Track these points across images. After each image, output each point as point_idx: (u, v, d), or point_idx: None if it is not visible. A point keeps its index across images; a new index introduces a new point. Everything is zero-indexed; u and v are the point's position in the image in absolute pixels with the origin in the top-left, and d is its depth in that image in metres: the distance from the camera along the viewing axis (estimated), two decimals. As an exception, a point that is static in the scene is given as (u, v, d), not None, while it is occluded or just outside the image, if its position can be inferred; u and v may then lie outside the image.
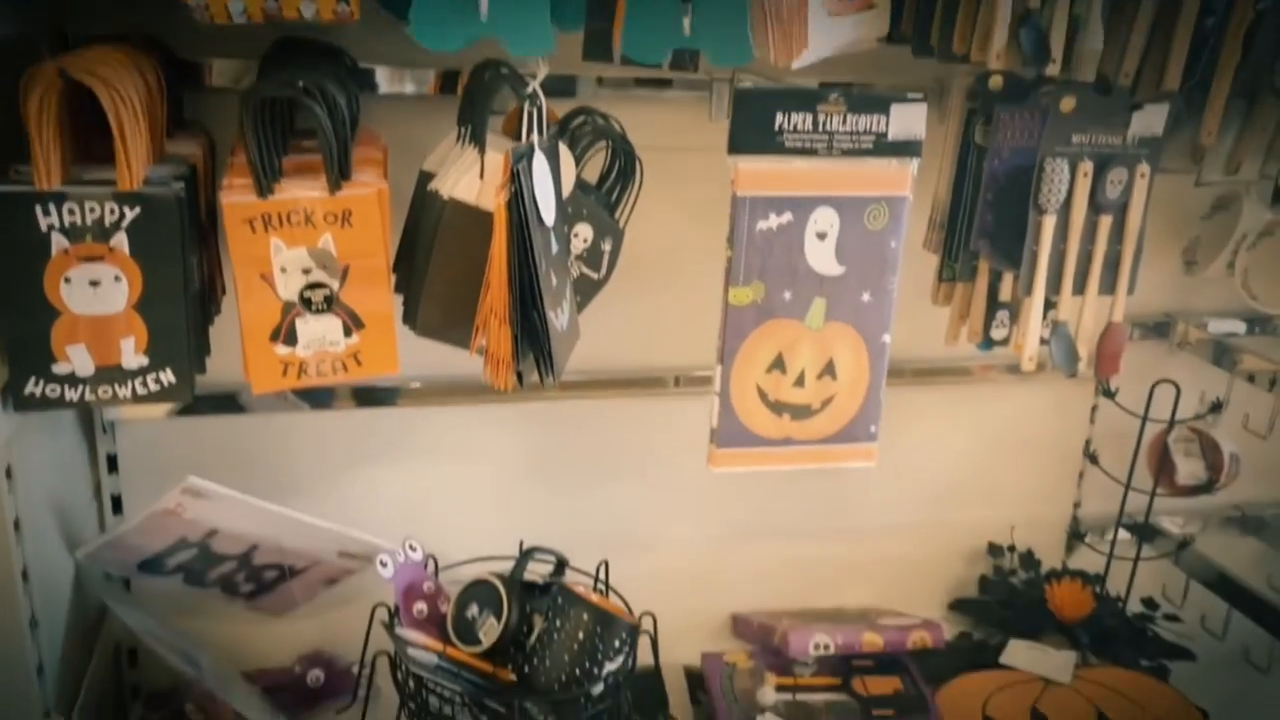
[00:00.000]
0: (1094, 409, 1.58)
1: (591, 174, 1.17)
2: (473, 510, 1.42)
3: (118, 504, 1.29)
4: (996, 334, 1.27)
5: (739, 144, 1.04)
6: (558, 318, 0.98)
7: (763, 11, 1.02)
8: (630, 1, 0.97)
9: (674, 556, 1.51)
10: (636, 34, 0.99)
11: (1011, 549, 1.59)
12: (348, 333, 1.01)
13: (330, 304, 1.01)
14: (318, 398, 1.30)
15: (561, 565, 1.31)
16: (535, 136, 0.96)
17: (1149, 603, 1.52)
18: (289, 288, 0.98)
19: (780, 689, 1.33)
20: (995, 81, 1.16)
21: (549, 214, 0.97)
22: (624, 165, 1.16)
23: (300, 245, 0.97)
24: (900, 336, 1.37)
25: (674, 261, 1.32)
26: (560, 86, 1.21)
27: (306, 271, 0.99)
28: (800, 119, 1.04)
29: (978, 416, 1.56)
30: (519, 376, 0.96)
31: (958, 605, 1.59)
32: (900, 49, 1.14)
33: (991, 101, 1.16)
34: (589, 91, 1.23)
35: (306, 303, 0.99)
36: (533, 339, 0.95)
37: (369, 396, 1.32)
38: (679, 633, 1.48)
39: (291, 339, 1.00)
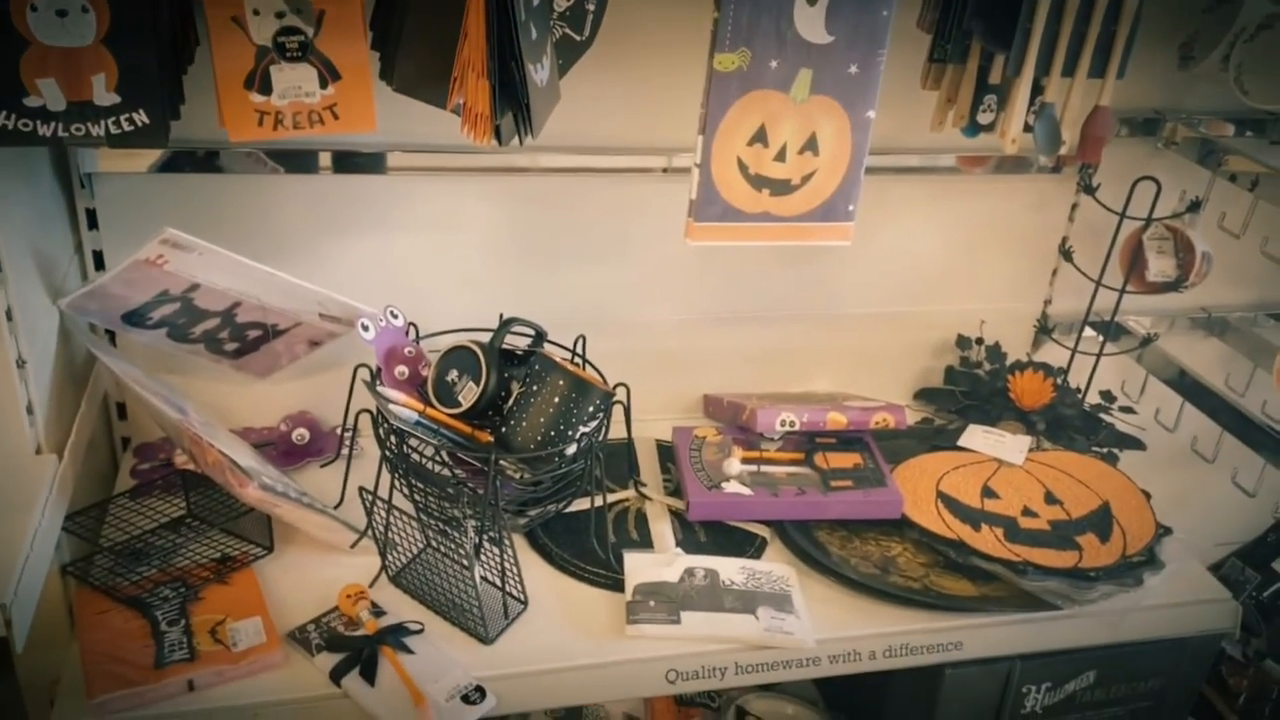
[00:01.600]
0: (1074, 206, 1.58)
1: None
2: (454, 283, 1.43)
3: (100, 260, 1.30)
4: (983, 119, 1.26)
5: (731, -104, 0.99)
6: (537, 72, 0.97)
7: None
8: None
9: (650, 336, 1.54)
10: None
11: (980, 341, 1.63)
12: (324, 84, 1.00)
13: (305, 51, 0.98)
14: (298, 162, 1.29)
15: (540, 336, 1.34)
16: (517, -124, 0.91)
17: (1106, 395, 1.57)
18: (262, 31, 0.96)
19: (746, 461, 1.39)
20: None
21: (530, -38, 0.94)
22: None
23: (273, -15, 0.94)
24: (886, 123, 1.37)
25: (667, 29, 1.29)
26: None
27: (280, 15, 0.96)
28: None
29: (958, 210, 1.57)
30: (498, 133, 0.95)
31: (923, 394, 1.65)
32: None
33: None
34: None
35: (281, 49, 0.97)
36: (511, 94, 0.94)
37: (350, 163, 1.31)
38: (653, 409, 1.54)
39: (266, 87, 0.98)
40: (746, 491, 1.34)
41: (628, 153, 1.38)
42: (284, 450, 1.38)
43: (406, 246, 1.40)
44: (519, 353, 1.34)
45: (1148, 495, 1.37)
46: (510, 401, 1.26)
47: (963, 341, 1.63)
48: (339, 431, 1.39)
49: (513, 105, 0.95)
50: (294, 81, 0.98)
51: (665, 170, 1.41)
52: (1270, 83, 1.32)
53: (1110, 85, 1.17)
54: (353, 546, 1.23)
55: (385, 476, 1.21)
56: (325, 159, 1.30)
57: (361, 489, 1.18)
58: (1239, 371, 1.66)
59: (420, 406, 1.22)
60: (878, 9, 1.07)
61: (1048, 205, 1.59)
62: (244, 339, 1.30)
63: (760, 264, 1.53)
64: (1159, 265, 1.49)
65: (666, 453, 1.50)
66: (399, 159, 1.32)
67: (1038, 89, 1.18)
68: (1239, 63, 1.34)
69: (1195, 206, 1.48)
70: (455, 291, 1.43)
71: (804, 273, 1.55)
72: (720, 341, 1.58)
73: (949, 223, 1.58)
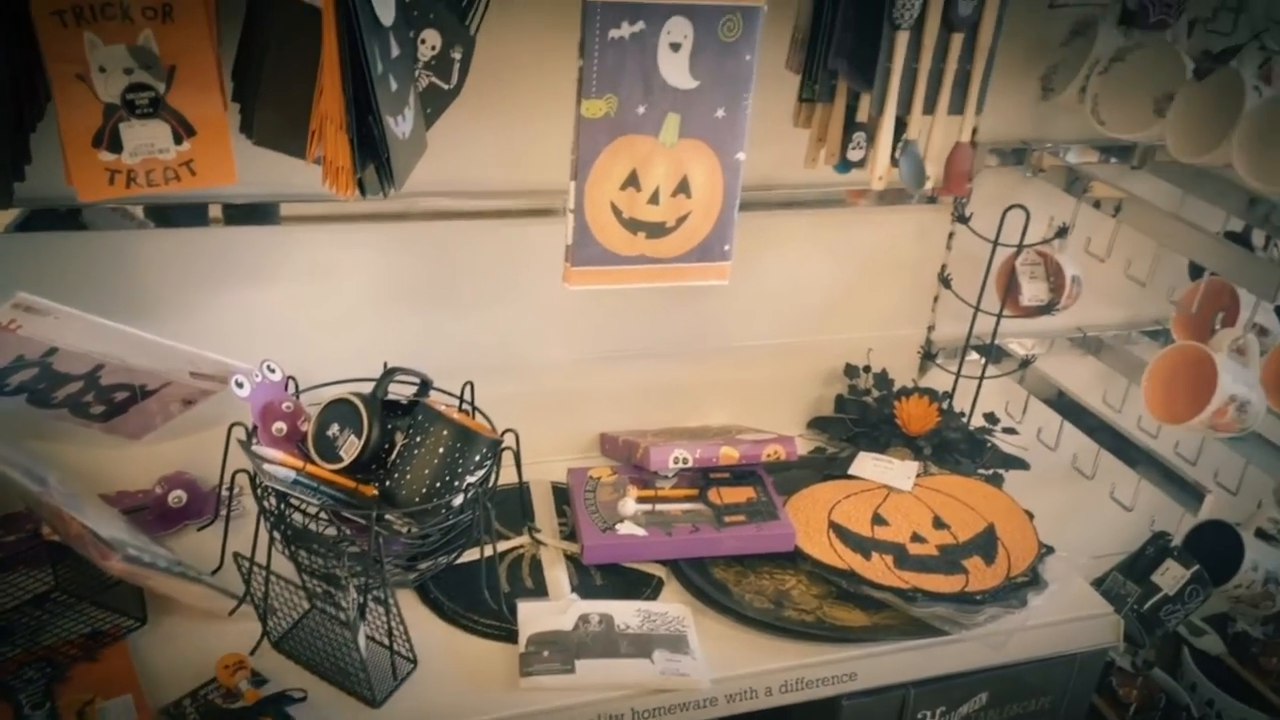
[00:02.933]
0: (951, 235, 1.63)
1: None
2: (339, 333, 1.40)
3: (-47, 326, 1.24)
4: (853, 156, 1.29)
5: (588, -54, 1.00)
6: (398, 124, 0.95)
7: None
8: None
9: (543, 378, 1.53)
10: None
11: (867, 369, 1.65)
12: (178, 139, 0.97)
13: (157, 107, 0.96)
14: (168, 216, 1.25)
15: (426, 385, 1.32)
16: (369, -71, 0.91)
17: (990, 417, 1.61)
18: (109, 89, 0.93)
19: (641, 500, 1.38)
20: (857, -108, 1.13)
21: (386, 14, 0.93)
22: (473, -31, 1.11)
23: (118, 42, 0.91)
24: (766, 161, 1.39)
25: (537, 74, 1.29)
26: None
27: (129, 72, 0.93)
28: (652, -79, 1.01)
29: (841, 242, 1.60)
30: (360, 185, 0.94)
31: (815, 423, 1.67)
32: None
33: (854, -87, 1.14)
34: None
35: (130, 105, 0.94)
36: (371, 147, 0.92)
37: (227, 214, 1.27)
38: (549, 451, 1.53)
39: (116, 144, 0.95)
40: (641, 532, 1.33)
41: (510, 196, 1.38)
42: (159, 514, 1.33)
43: (287, 297, 1.37)
44: (404, 403, 1.31)
45: (1030, 515, 1.41)
46: (394, 454, 1.24)
47: (851, 370, 1.66)
48: (220, 491, 1.35)
49: (374, 158, 0.93)
50: (146, 139, 0.95)
51: (547, 213, 1.40)
52: (1124, 112, 1.38)
53: (969, 121, 1.21)
54: (231, 614, 1.19)
55: (266, 537, 1.17)
56: (216, 210, 1.26)
57: (236, 554, 1.14)
58: (1115, 388, 1.72)
59: (299, 463, 1.19)
60: (741, 55, 1.09)
61: (926, 235, 1.63)
62: (111, 401, 1.25)
63: (650, 301, 1.53)
64: (1032, 290, 1.54)
65: (563, 495, 1.48)
66: (292, 209, 1.28)
67: (902, 126, 1.21)
68: (1095, 94, 1.40)
69: (1063, 232, 1.53)
70: (339, 342, 1.40)
71: (694, 308, 1.56)
72: (614, 379, 1.58)
73: (834, 254, 1.61)
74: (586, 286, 1.16)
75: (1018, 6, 1.41)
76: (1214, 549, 1.45)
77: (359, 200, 1.28)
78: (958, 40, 1.16)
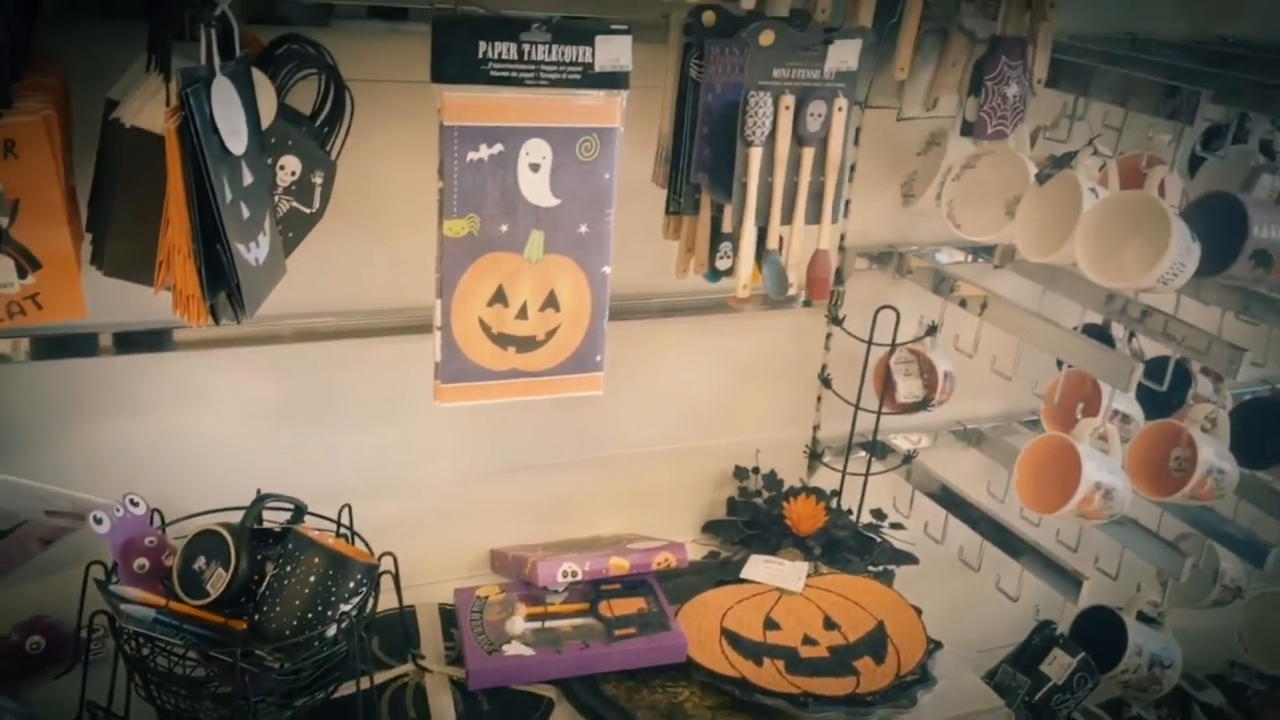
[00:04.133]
0: (829, 336, 1.67)
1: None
2: (209, 461, 1.36)
3: None
4: (721, 265, 1.32)
5: (442, 73, 1.03)
6: (250, 251, 0.95)
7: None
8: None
9: (427, 496, 1.50)
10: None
11: (756, 470, 1.67)
12: (22, 274, 0.95)
13: (1, 241, 0.94)
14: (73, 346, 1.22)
15: (300, 511, 1.28)
16: (217, 61, 0.92)
17: (877, 513, 1.63)
18: (-54, 225, 0.91)
19: (530, 618, 1.35)
20: (708, 17, 1.19)
21: (236, 143, 0.93)
22: (335, 96, 1.12)
23: (-45, 178, 0.89)
24: (645, 270, 1.42)
25: (403, 195, 1.30)
26: (283, 14, 1.16)
27: (-32, 207, 0.91)
28: (505, 48, 1.04)
29: (724, 346, 1.63)
30: (213, 311, 0.93)
31: (708, 527, 1.67)
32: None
33: (704, 36, 1.19)
34: (320, 20, 1.18)
35: (-31, 241, 0.92)
36: (221, 274, 0.91)
37: (77, 345, 1.24)
38: (437, 571, 1.49)
39: (-46, 281, 0.92)
40: (529, 651, 1.30)
41: (382, 314, 1.37)
42: (18, 663, 1.25)
43: (156, 426, 1.33)
44: (276, 530, 1.27)
45: (919, 611, 1.42)
46: (264, 585, 1.19)
47: (740, 472, 1.67)
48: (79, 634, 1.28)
49: (224, 285, 0.92)
50: (-13, 274, 0.93)
51: (421, 329, 1.39)
52: (978, 216, 1.45)
53: (826, 230, 1.25)
54: (87, 769, 1.11)
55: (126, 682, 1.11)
56: (106, 339, 1.23)
57: (90, 703, 1.07)
58: (998, 479, 1.76)
59: (161, 601, 1.14)
60: (600, 173, 1.12)
61: (805, 337, 1.67)
62: (-41, 545, 1.18)
63: (534, 412, 1.53)
64: (907, 387, 1.58)
65: (451, 617, 1.44)
66: (135, 338, 1.26)
67: (764, 235, 1.25)
68: (950, 199, 1.46)
69: (933, 330, 1.58)
70: (211, 470, 1.36)
71: (580, 417, 1.56)
72: (503, 493, 1.56)
73: (718, 358, 1.63)
74: (458, 403, 1.15)
75: (871, 119, 1.50)
76: (1099, 635, 1.48)
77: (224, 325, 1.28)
78: (809, 154, 1.20)
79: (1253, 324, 1.53)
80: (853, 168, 1.57)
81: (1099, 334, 1.62)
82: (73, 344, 1.23)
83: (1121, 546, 1.53)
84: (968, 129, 1.26)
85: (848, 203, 1.59)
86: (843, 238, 1.62)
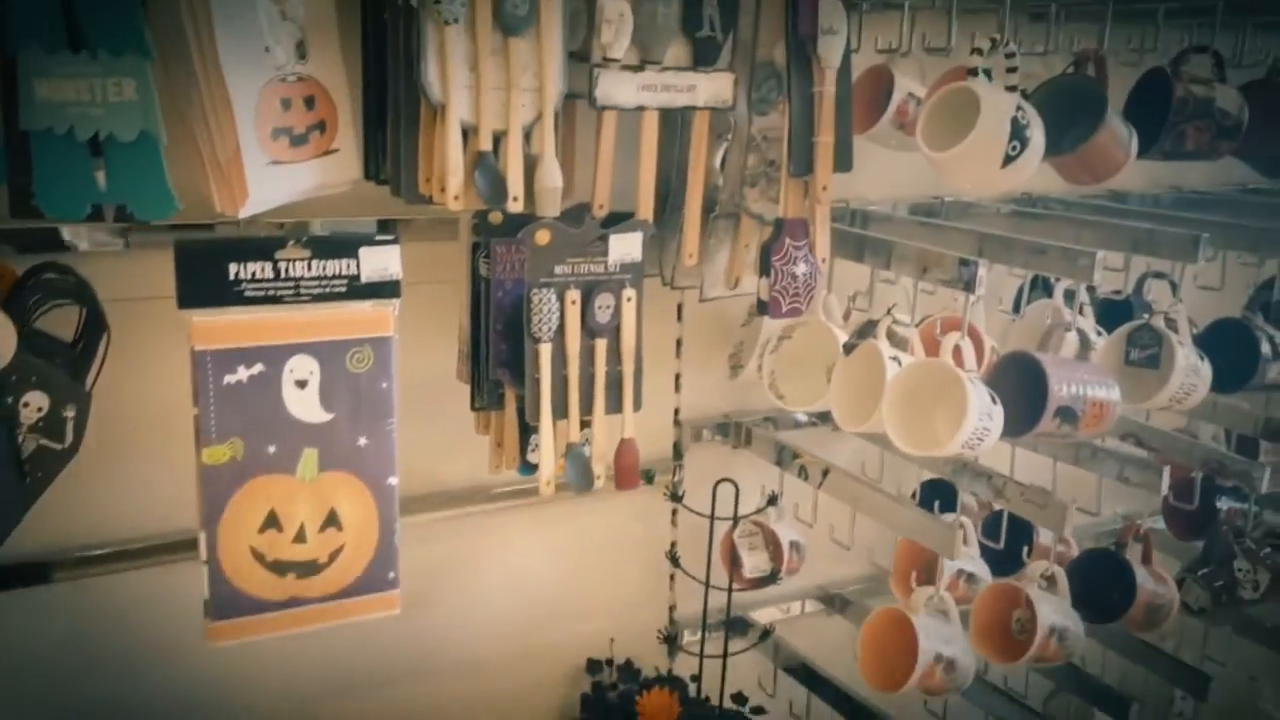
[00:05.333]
0: (674, 512, 1.62)
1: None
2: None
3: None
4: (533, 458, 1.27)
5: (190, 298, 0.99)
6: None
7: (203, 161, 0.99)
8: (38, 158, 0.91)
9: (249, 726, 1.39)
10: (51, 190, 0.93)
11: (610, 662, 1.58)
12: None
13: None
14: None
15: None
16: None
17: (738, 697, 1.55)
18: None
19: None
20: (495, 216, 1.18)
21: (-54, 393, 0.87)
22: (92, 323, 1.07)
23: None
24: (473, 464, 1.36)
25: (162, 422, 1.22)
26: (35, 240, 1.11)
27: None
28: (259, 268, 1.01)
29: (566, 533, 1.56)
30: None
31: (562, 730, 1.57)
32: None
33: (489, 234, 1.18)
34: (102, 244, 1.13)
35: None
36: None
37: None
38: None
39: None
40: None
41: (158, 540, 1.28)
42: None
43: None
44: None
45: (775, 810, 1.33)
46: None
47: (594, 665, 1.59)
48: None
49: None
50: None
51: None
52: (799, 386, 1.43)
53: (630, 419, 1.22)
54: None
55: None
56: None
57: None
58: (865, 646, 1.70)
59: None
60: (377, 383, 1.08)
61: (650, 515, 1.61)
62: None
63: (358, 630, 1.43)
64: (753, 561, 1.53)
65: None
66: None
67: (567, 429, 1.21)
68: (770, 370, 1.45)
69: (774, 501, 1.54)
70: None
71: (414, 626, 1.46)
72: (349, 714, 1.45)
73: (561, 546, 1.57)
74: (236, 641, 1.06)
75: (692, 294, 1.49)
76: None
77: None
78: (601, 345, 1.18)
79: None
80: (679, 343, 1.56)
81: (1119, 308, 1.50)
82: None
83: (985, 714, 1.47)
84: (763, 308, 1.26)
85: (677, 377, 1.57)
86: (677, 412, 1.59)
